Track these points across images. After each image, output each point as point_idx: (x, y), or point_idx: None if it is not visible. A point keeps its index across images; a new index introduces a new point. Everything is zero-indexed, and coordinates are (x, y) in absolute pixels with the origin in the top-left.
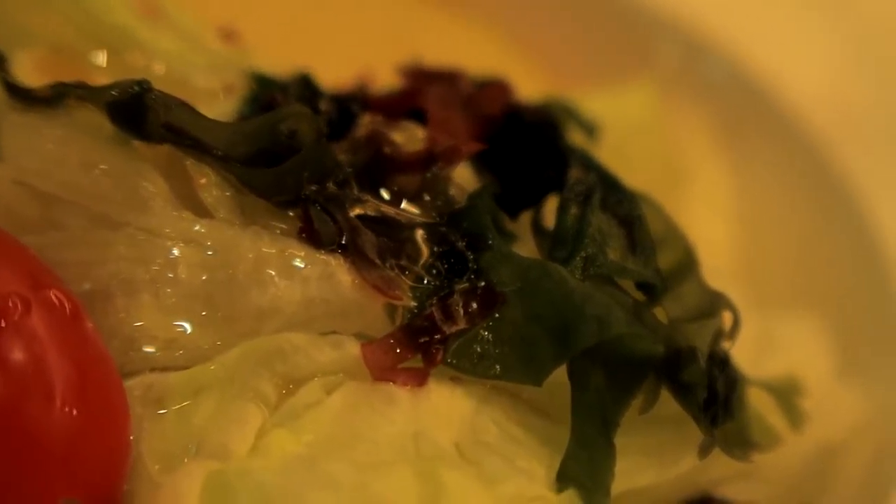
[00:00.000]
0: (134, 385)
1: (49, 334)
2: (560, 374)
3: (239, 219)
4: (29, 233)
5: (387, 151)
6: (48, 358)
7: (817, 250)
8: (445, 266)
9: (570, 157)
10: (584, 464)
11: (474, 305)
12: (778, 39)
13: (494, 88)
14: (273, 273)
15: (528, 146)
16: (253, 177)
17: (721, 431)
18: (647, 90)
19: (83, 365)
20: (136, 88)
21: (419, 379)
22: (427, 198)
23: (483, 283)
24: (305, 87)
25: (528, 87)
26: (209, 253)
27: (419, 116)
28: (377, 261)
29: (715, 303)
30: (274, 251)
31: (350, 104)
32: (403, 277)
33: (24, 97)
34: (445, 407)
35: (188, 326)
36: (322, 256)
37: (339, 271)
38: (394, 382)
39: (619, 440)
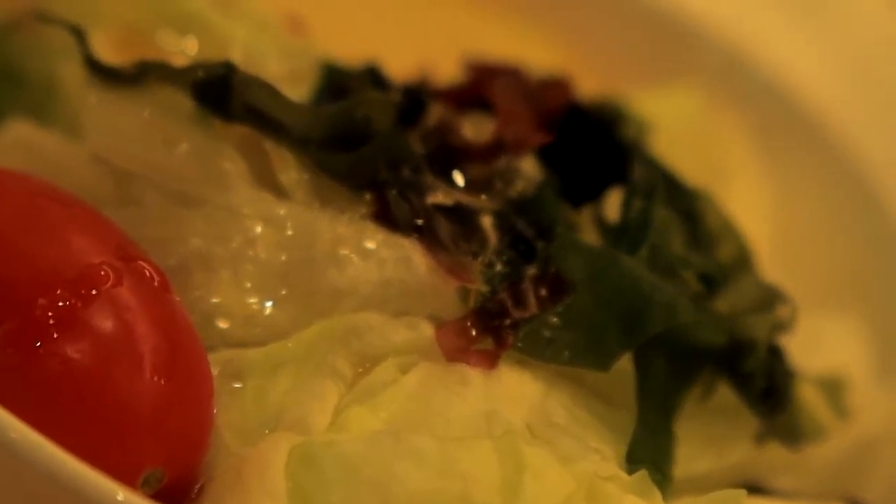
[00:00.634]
0: (212, 360)
1: (139, 304)
2: (621, 361)
3: (315, 201)
4: (106, 208)
5: (456, 141)
6: (138, 328)
7: (852, 254)
8: (515, 253)
9: (632, 152)
10: (651, 448)
11: (544, 291)
12: (815, 49)
13: (557, 84)
14: (350, 254)
15: (589, 141)
16: (330, 160)
17: (776, 422)
18: (692, 94)
19: (171, 336)
20: (223, 69)
21: (491, 361)
22: (496, 187)
23: (552, 271)
24: (373, 77)
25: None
26: (288, 233)
27: (485, 108)
28: (450, 246)
29: (771, 296)
30: (351, 233)
31: (420, 94)
32: (475, 262)
33: (108, 75)
34: (516, 389)
35: (267, 304)
36: (398, 239)
37: (415, 254)
38: (466, 363)
39: (678, 427)
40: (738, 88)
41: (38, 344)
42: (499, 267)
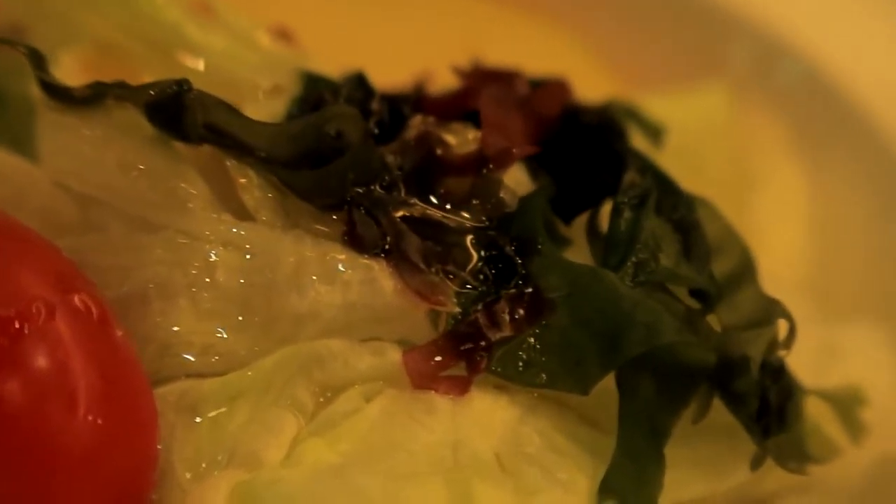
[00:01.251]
0: (168, 391)
1: (73, 340)
2: (610, 382)
3: (281, 221)
4: (68, 235)
5: (437, 153)
6: (71, 365)
7: (891, 258)
8: (493, 271)
9: (626, 159)
10: (631, 475)
11: (521, 311)
12: (853, 40)
13: (552, 89)
14: (313, 277)
15: (584, 148)
16: (296, 179)
17: (775, 443)
18: (719, 92)
19: (109, 372)
20: (175, 88)
21: (461, 387)
22: (476, 202)
23: (531, 289)
24: (359, 87)
25: (599, 89)
26: (248, 256)
27: (476, 118)
28: (422, 265)
29: (771, 311)
30: (315, 255)
31: (402, 105)
32: (449, 282)
33: (62, 96)
34: (488, 416)
35: (225, 332)
36: (364, 261)
37: (382, 276)
38: (435, 391)
39: (669, 451)
40: (771, 84)
41: None
42: (475, 286)
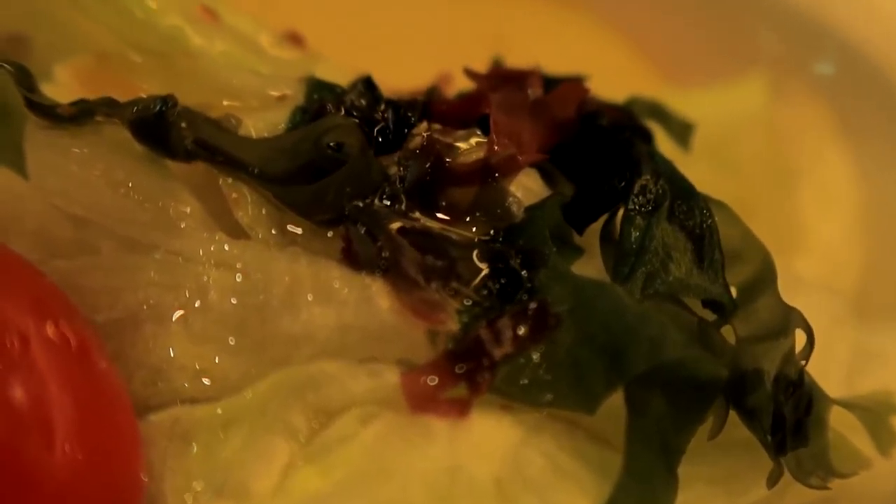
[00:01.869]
0: (160, 419)
1: (50, 372)
2: (621, 399)
3: (277, 239)
4: (60, 257)
5: (442, 162)
6: (47, 398)
7: None
8: (497, 285)
9: (640, 164)
10: (637, 497)
11: (526, 328)
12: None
13: (567, 89)
14: (308, 297)
15: (600, 152)
16: (291, 194)
17: (794, 457)
18: (758, 85)
19: (87, 403)
20: (159, 105)
21: (462, 409)
22: (480, 213)
23: (535, 304)
24: (365, 92)
25: (637, 83)
26: (241, 276)
27: (487, 122)
28: (421, 282)
29: (789, 320)
30: (310, 273)
31: (409, 111)
32: (450, 299)
33: (48, 115)
34: (488, 439)
35: (217, 355)
36: (360, 279)
37: (378, 295)
38: (434, 414)
39: (682, 469)
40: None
41: None
42: (477, 302)
